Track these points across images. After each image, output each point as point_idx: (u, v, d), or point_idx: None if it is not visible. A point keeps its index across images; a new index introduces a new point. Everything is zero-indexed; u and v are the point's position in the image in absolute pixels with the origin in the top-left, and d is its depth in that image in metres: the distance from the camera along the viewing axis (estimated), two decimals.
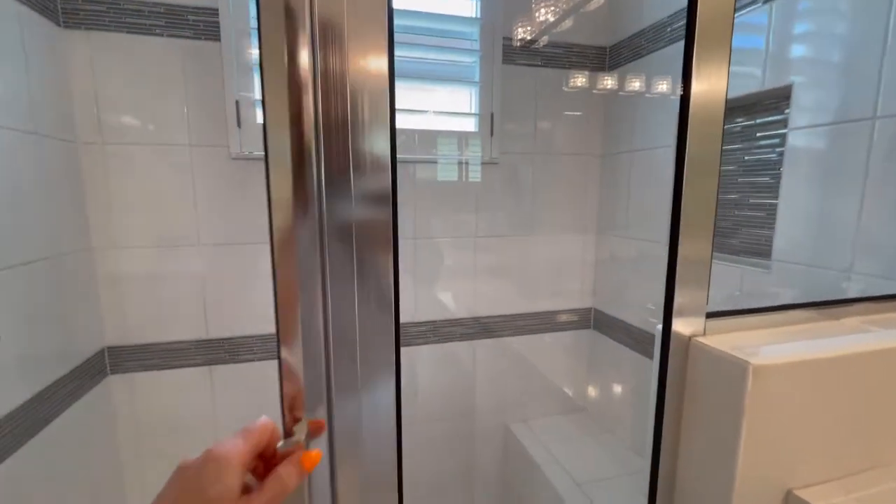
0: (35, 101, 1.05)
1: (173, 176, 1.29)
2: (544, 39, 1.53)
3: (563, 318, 1.72)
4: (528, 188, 1.60)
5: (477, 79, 1.49)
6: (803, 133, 0.96)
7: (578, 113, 1.61)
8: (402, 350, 1.46)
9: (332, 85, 0.38)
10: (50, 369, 1.08)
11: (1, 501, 0.90)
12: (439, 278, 1.56)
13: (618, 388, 1.64)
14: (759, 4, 1.03)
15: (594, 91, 1.61)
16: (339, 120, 0.39)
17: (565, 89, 1.58)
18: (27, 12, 1.03)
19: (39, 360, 1.04)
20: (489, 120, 1.51)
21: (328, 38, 0.37)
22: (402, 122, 1.46)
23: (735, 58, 0.49)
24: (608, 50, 1.59)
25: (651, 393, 0.56)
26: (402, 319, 1.54)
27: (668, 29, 1.32)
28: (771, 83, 1.02)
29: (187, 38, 1.25)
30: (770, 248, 1.11)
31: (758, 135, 1.15)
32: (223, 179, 1.33)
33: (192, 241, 1.33)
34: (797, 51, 0.98)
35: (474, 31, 1.48)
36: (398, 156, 0.41)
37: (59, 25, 1.16)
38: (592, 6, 1.55)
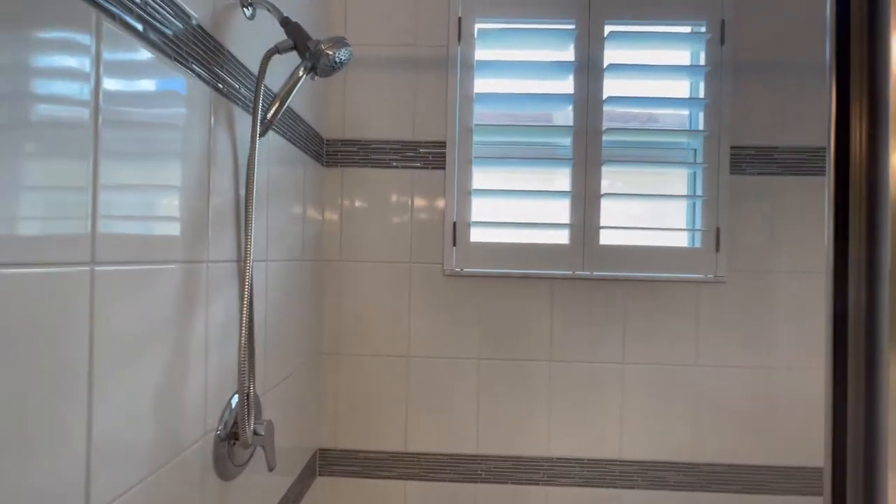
0: (307, 234, 1.23)
1: (392, 289, 1.38)
2: (779, 144, 1.35)
3: (804, 478, 1.35)
4: (760, 310, 1.35)
5: (700, 191, 1.36)
6: None
7: (821, 224, 1.35)
8: (607, 491, 1.21)
9: None
10: (290, 468, 1.15)
11: None
12: (646, 411, 1.36)
13: None
14: None
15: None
16: None
17: (806, 199, 1.35)
18: (307, 159, 1.24)
19: (287, 454, 1.12)
20: (714, 235, 1.35)
21: None
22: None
23: None
24: None
25: None
26: (607, 455, 1.36)
27: None
28: None
29: (416, 167, 1.38)
30: None
31: None
32: (436, 294, 1.38)
33: (402, 352, 1.37)
34: None
35: (696, 141, 1.38)
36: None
37: (322, 165, 1.37)
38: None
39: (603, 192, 1.35)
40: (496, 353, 1.37)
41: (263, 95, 0.81)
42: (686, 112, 1.43)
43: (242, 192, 0.86)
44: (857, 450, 0.36)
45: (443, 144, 1.37)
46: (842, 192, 0.36)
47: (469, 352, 1.37)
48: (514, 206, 1.44)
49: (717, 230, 1.35)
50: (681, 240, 1.40)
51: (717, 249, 1.35)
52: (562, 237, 1.38)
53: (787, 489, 1.35)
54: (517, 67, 1.37)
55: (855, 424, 0.36)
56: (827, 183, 0.37)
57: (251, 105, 0.87)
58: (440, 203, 1.38)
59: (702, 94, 1.36)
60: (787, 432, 1.35)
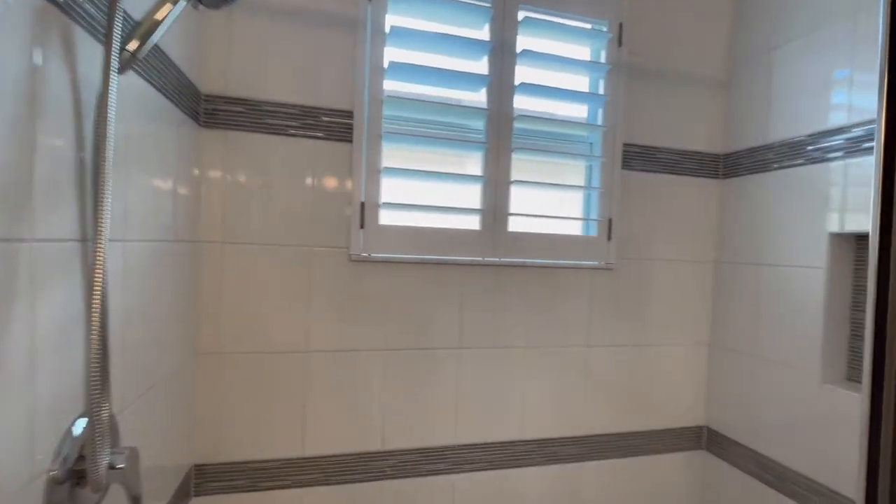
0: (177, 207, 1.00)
1: (288, 277, 1.21)
2: (661, 145, 1.50)
3: (673, 438, 1.55)
4: (642, 294, 1.50)
5: (596, 183, 1.45)
6: None
7: (692, 219, 1.55)
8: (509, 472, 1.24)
9: None
10: (156, 494, 0.93)
11: None
12: (545, 392, 1.42)
13: None
14: None
15: (706, 198, 1.56)
16: None
17: (679, 196, 1.53)
18: (181, 116, 1.00)
19: (154, 476, 0.90)
20: (607, 225, 1.45)
21: None
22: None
23: None
24: (721, 158, 1.56)
25: None
26: (509, 437, 1.39)
27: (809, 147, 1.28)
28: None
29: (319, 138, 1.22)
30: None
31: None
32: (340, 281, 1.24)
33: (299, 347, 1.22)
34: None
35: (595, 135, 1.46)
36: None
37: (199, 125, 1.13)
38: (707, 114, 1.53)
39: (512, 179, 1.36)
40: (405, 342, 1.30)
41: (123, 19, 0.60)
42: (586, 107, 1.50)
43: (89, 150, 0.64)
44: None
45: (349, 114, 1.23)
46: (888, 189, 0.36)
47: (376, 343, 1.28)
48: (425, 189, 1.36)
49: (610, 221, 1.45)
50: (577, 228, 1.48)
51: (609, 238, 1.45)
52: (473, 223, 1.35)
53: (658, 449, 1.54)
54: (432, 40, 1.28)
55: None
56: (875, 176, 0.37)
57: (103, 29, 0.65)
58: (346, 180, 1.24)
59: (602, 91, 1.44)
60: (658, 400, 1.54)
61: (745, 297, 1.46)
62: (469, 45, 1.31)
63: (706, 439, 1.58)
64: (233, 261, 1.17)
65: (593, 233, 1.45)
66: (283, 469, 1.22)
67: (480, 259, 1.34)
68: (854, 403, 1.14)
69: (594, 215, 1.45)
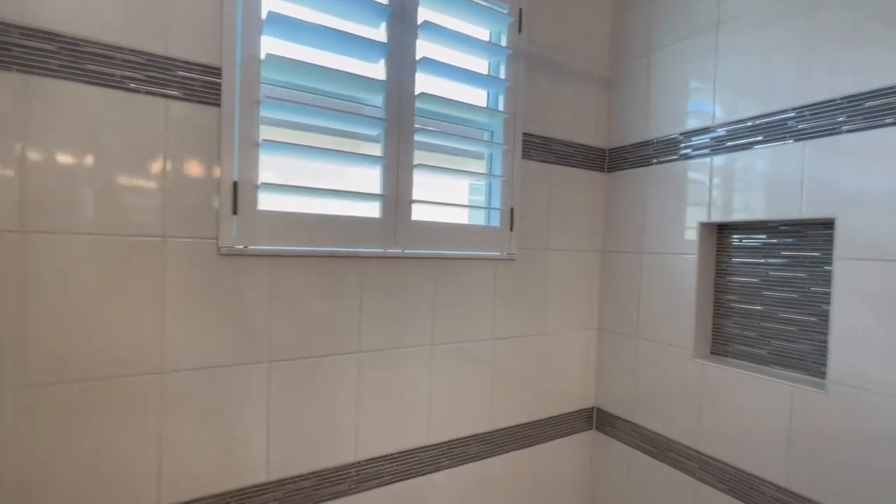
0: None
1: (132, 276, 0.92)
2: (555, 136, 1.53)
3: (568, 422, 1.61)
4: (540, 284, 1.52)
5: (499, 172, 1.41)
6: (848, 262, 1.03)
7: (582, 210, 1.61)
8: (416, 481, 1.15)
9: None
10: None
11: None
12: (452, 390, 1.35)
13: (626, 492, 1.54)
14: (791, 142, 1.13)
15: (594, 190, 1.64)
16: None
17: (571, 187, 1.58)
18: None
19: None
20: (509, 215, 1.42)
21: None
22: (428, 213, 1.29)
23: None
24: (607, 153, 1.65)
25: None
26: (417, 443, 1.28)
27: (681, 145, 1.40)
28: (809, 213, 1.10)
29: (173, 97, 0.95)
30: (815, 365, 1.15)
31: (781, 253, 1.23)
32: (207, 280, 0.99)
33: (150, 368, 0.94)
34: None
35: (496, 122, 1.42)
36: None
37: None
38: (595, 109, 1.60)
39: (415, 163, 1.24)
40: (293, 351, 1.10)
41: None
42: (486, 92, 1.46)
43: None
44: None
45: (217, 72, 0.99)
46: None
47: (257, 354, 1.05)
48: (315, 170, 1.17)
49: (511, 210, 1.43)
50: (480, 218, 1.43)
51: (511, 228, 1.43)
52: (373, 210, 1.21)
53: (554, 435, 1.58)
54: None
55: None
56: None
57: None
58: (213, 154, 0.99)
59: (503, 76, 1.40)
60: (554, 387, 1.57)
61: (629, 284, 1.56)
62: (366, 7, 1.15)
63: (596, 419, 1.68)
64: (43, 256, 0.85)
65: (495, 223, 1.41)
66: None
67: (382, 251, 1.20)
68: (719, 374, 1.28)
69: (496, 204, 1.41)
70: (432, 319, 1.30)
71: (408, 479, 1.27)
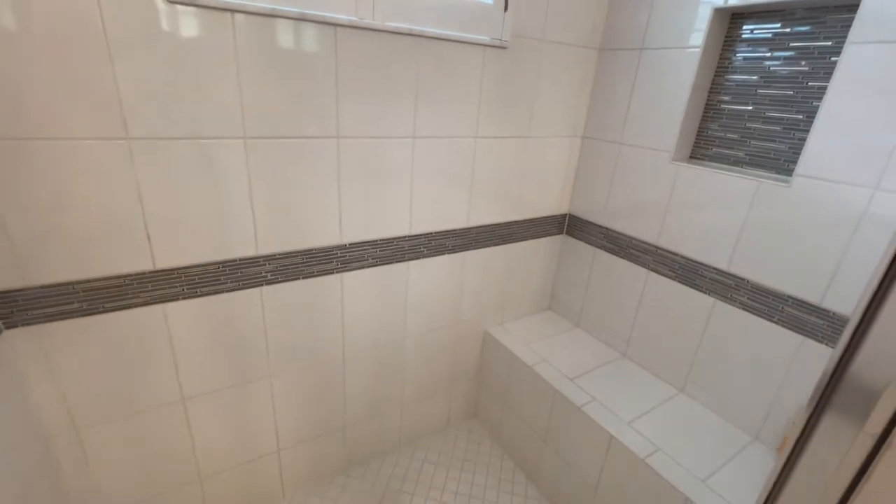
0: None
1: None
2: None
3: (541, 226, 1.71)
4: (531, 81, 1.42)
5: None
6: (867, 47, 0.97)
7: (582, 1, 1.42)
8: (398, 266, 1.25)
9: None
10: None
11: None
12: (434, 185, 1.37)
13: (586, 284, 1.75)
14: None
15: None
16: None
17: None
18: None
19: None
20: None
21: None
22: None
23: None
24: None
25: None
26: (399, 233, 1.35)
27: None
28: None
29: None
30: (786, 164, 1.19)
31: (790, 44, 1.15)
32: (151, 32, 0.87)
33: (114, 133, 0.89)
34: None
35: None
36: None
37: None
38: None
39: None
40: (268, 129, 1.05)
41: None
42: None
43: None
44: None
45: None
46: None
47: (229, 128, 1.00)
48: None
49: None
50: None
51: (506, 9, 1.27)
52: None
53: (527, 236, 1.69)
54: None
55: None
56: None
57: None
58: None
59: None
60: (531, 192, 1.62)
61: (623, 85, 1.48)
62: None
63: (567, 225, 1.78)
64: None
65: (490, 0, 1.24)
66: (130, 285, 1.00)
67: (356, 19, 1.06)
68: (691, 175, 1.32)
69: None
70: (414, 109, 1.23)
71: (390, 263, 1.38)
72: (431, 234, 1.42)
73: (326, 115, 1.11)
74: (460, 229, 1.49)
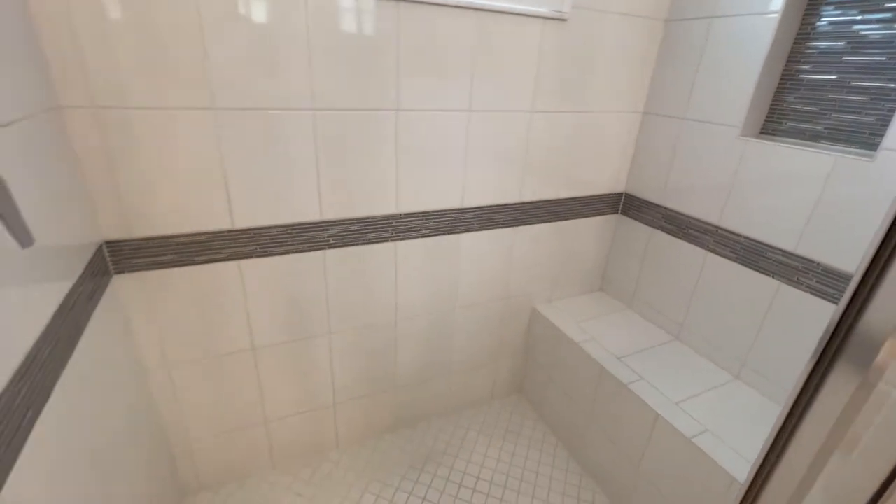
0: None
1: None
2: None
3: (596, 204, 1.68)
4: (591, 54, 1.40)
5: None
6: None
7: None
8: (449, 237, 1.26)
9: None
10: (62, 271, 0.82)
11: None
12: (487, 158, 1.39)
13: (640, 265, 1.70)
14: None
15: None
16: None
17: None
18: None
19: (54, 257, 0.78)
20: None
21: None
22: None
23: None
24: None
25: None
26: (451, 205, 1.39)
27: None
28: None
29: None
30: (871, 137, 1.09)
31: (886, 5, 1.05)
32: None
33: (203, 102, 1.00)
34: None
35: None
36: None
37: None
38: None
39: None
40: (334, 101, 1.12)
41: None
42: None
43: None
44: None
45: None
46: None
47: (299, 100, 1.09)
48: None
49: None
50: None
51: None
52: None
53: (581, 214, 1.67)
54: None
55: None
56: None
57: None
58: None
59: None
60: (587, 169, 1.60)
61: (690, 56, 1.41)
62: None
63: (623, 204, 1.74)
64: None
65: None
66: (213, 242, 1.13)
67: None
68: (761, 151, 1.25)
69: None
70: (471, 82, 1.26)
71: (442, 234, 1.43)
72: (483, 207, 1.46)
73: (387, 88, 1.16)
74: (512, 204, 1.50)
